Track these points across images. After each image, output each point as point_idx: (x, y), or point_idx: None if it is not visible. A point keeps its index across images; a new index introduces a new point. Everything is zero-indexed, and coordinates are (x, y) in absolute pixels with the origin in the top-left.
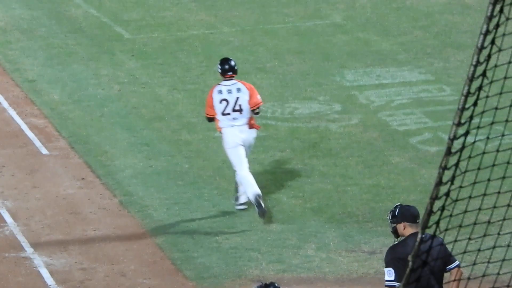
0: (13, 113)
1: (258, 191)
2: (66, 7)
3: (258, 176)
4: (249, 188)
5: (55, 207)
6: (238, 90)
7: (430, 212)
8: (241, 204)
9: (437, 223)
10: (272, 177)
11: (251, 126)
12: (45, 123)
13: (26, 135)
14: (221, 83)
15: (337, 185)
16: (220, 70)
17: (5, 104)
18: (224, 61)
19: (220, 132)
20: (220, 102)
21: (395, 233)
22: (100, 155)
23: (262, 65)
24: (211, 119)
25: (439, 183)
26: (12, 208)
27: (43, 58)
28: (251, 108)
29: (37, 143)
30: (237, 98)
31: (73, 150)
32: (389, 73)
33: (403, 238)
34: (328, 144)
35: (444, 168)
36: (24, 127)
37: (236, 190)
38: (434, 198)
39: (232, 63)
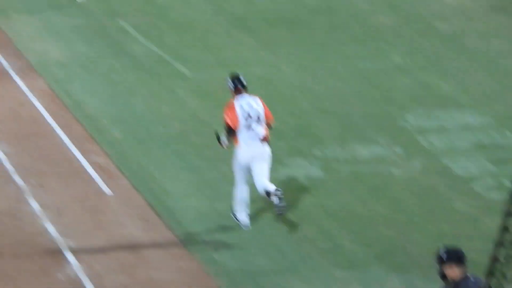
0: (75, 150)
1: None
2: (128, 44)
3: (321, 221)
4: (239, 205)
5: (118, 247)
6: (255, 101)
7: (495, 259)
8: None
9: (503, 271)
10: (335, 222)
11: (264, 139)
12: (107, 161)
13: (88, 173)
14: (238, 99)
15: (400, 231)
16: (232, 87)
17: (67, 141)
18: (235, 78)
19: (236, 146)
20: (243, 116)
21: (444, 277)
22: (163, 195)
23: (322, 105)
24: (233, 133)
25: (504, 229)
26: (75, 248)
27: (105, 95)
28: (267, 123)
29: (100, 182)
30: (256, 109)
31: (135, 189)
32: (450, 116)
33: (454, 283)
34: (391, 188)
35: (509, 214)
36: (87, 165)
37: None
38: (499, 245)
39: (241, 78)
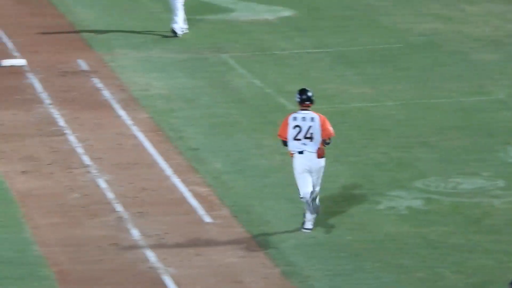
0: (176, 180)
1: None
2: (230, 77)
3: (420, 250)
4: (306, 208)
5: (217, 275)
6: (312, 119)
7: None
8: (306, 229)
9: None
10: (435, 252)
11: (319, 155)
12: (208, 192)
13: (189, 203)
14: (297, 112)
15: (500, 262)
16: (299, 100)
17: (169, 171)
18: (303, 91)
19: (292, 156)
20: (294, 128)
21: None
22: (262, 224)
23: (424, 139)
24: (286, 143)
25: None
26: (175, 275)
27: (206, 127)
28: (323, 138)
29: (200, 211)
30: (310, 126)
31: (235, 219)
32: None
33: None
34: (492, 220)
35: None
36: (187, 195)
37: (304, 215)
38: None
39: (310, 93)
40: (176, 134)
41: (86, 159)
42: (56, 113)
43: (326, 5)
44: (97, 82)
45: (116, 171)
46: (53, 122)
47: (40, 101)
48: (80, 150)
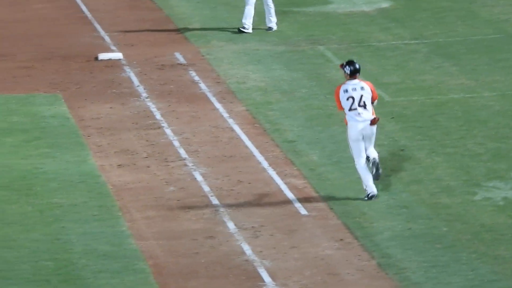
0: (272, 173)
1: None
2: (327, 69)
3: None
4: (364, 175)
5: (313, 268)
6: (362, 88)
7: None
8: (368, 196)
9: None
10: None
11: (374, 123)
12: (304, 184)
13: (285, 195)
14: (346, 83)
15: None
16: (349, 72)
17: (265, 164)
18: (352, 63)
19: (346, 125)
20: (347, 99)
21: None
22: (358, 216)
23: None
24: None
25: None
26: (270, 267)
27: (303, 119)
28: (372, 102)
29: (296, 204)
30: (361, 95)
31: (331, 211)
32: None
33: None
34: None
35: None
36: (284, 187)
37: (364, 185)
38: None
39: (357, 65)
40: (273, 126)
41: (182, 152)
42: (152, 107)
43: None
44: (193, 75)
45: (212, 164)
46: (149, 115)
47: (136, 95)
48: (176, 143)
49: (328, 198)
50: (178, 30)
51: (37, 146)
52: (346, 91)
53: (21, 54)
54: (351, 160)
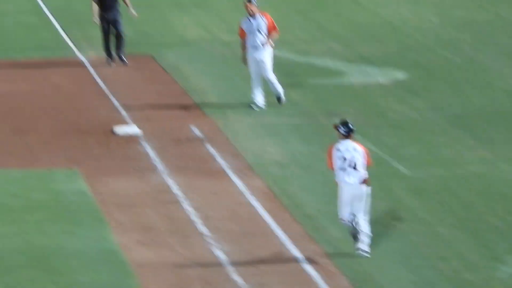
0: (293, 248)
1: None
2: None
3: None
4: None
5: None
6: (354, 149)
7: None
8: (363, 251)
9: None
10: None
11: (362, 182)
12: (325, 260)
13: (306, 272)
14: (340, 142)
15: None
16: (343, 132)
17: (285, 239)
18: (346, 124)
19: (338, 186)
20: (339, 159)
21: None
22: None
23: None
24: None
25: None
26: None
27: (322, 194)
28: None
29: (319, 281)
30: (353, 156)
31: None
32: None
33: None
34: None
35: None
36: (305, 263)
37: (354, 239)
38: None
39: (351, 126)
40: (292, 201)
41: (202, 228)
42: (171, 181)
43: (440, 67)
44: (211, 149)
45: (232, 240)
46: (168, 190)
47: (154, 169)
48: (196, 219)
49: (352, 276)
50: (195, 104)
51: (57, 223)
52: (339, 150)
53: (39, 128)
54: (376, 236)
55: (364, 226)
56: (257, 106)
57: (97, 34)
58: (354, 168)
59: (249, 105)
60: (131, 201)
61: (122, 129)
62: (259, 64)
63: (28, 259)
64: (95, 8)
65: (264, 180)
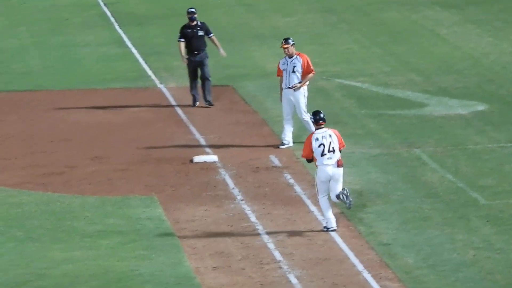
0: (367, 276)
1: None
2: (423, 172)
3: None
4: (325, 209)
5: None
6: (330, 135)
7: None
8: (327, 228)
9: None
10: None
11: (338, 164)
12: (399, 287)
13: None
14: (315, 132)
15: None
16: (313, 120)
17: (360, 267)
18: (317, 113)
19: (316, 166)
20: (319, 146)
21: None
22: None
23: None
24: (310, 161)
25: None
26: None
27: (398, 222)
28: (340, 149)
29: None
30: (330, 142)
31: None
32: None
33: None
34: None
35: None
36: None
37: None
38: None
39: (321, 114)
40: (368, 229)
41: (277, 255)
42: (247, 209)
43: None
44: (288, 177)
45: (307, 267)
46: (244, 218)
47: (231, 197)
48: (271, 245)
49: None
50: (273, 133)
51: (133, 248)
52: (317, 139)
53: (117, 157)
54: (447, 262)
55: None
56: (285, 144)
57: (177, 64)
58: (333, 151)
59: (278, 146)
60: (207, 227)
61: (200, 158)
62: (293, 104)
63: (104, 283)
64: (183, 48)
65: (341, 208)
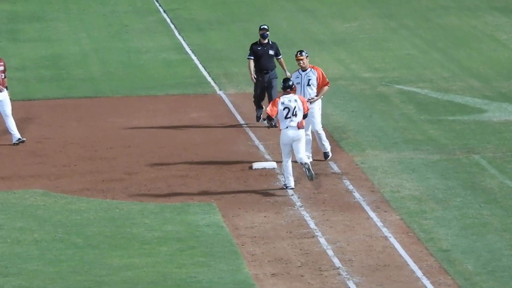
0: (427, 282)
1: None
2: (482, 178)
3: None
4: (286, 171)
5: None
6: (295, 100)
7: None
8: (286, 186)
9: None
10: None
11: (300, 126)
12: None
13: None
14: (283, 96)
15: None
16: (282, 87)
17: (419, 273)
18: (285, 80)
19: (280, 131)
20: (284, 109)
21: None
22: None
23: None
24: (270, 118)
25: None
26: None
27: (457, 228)
28: (304, 113)
29: None
30: (295, 106)
31: None
32: None
33: None
34: None
35: None
36: None
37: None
38: None
39: (290, 82)
40: (427, 235)
41: (336, 261)
42: (306, 216)
43: None
44: (348, 184)
45: (366, 273)
46: (303, 224)
47: (291, 204)
48: (330, 252)
49: None
50: (333, 139)
51: (191, 255)
52: (283, 103)
53: (177, 163)
54: (507, 269)
55: (306, 159)
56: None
57: (236, 71)
58: (295, 115)
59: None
60: (266, 234)
61: (260, 164)
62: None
63: None
64: (252, 67)
65: (400, 214)
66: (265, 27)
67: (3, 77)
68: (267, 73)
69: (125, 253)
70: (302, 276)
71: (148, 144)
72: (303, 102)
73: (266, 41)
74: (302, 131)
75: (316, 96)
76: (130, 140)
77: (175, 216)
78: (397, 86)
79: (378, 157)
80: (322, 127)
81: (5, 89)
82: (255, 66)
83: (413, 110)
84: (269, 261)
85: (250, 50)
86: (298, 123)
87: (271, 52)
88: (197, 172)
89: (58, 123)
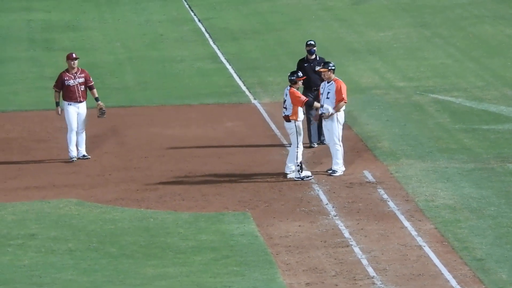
0: None
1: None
2: None
3: None
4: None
5: None
6: (286, 94)
7: None
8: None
9: None
10: None
11: (288, 119)
12: None
13: None
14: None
15: None
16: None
17: (454, 282)
18: (291, 74)
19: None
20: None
21: None
22: None
23: None
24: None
25: None
26: None
27: (492, 237)
28: (297, 106)
29: None
30: (285, 100)
31: None
32: None
33: None
34: None
35: None
36: None
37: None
38: None
39: (292, 77)
40: (462, 244)
41: (371, 271)
42: (341, 225)
43: None
44: (382, 193)
45: (400, 283)
46: (338, 233)
47: (325, 213)
48: (364, 261)
49: None
50: (368, 148)
51: (226, 264)
52: (284, 94)
53: (211, 172)
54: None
55: (297, 156)
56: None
57: (271, 80)
58: (285, 108)
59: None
60: (301, 243)
61: (294, 173)
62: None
63: None
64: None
65: (434, 223)
66: (312, 42)
67: (82, 89)
68: (317, 89)
69: (159, 263)
70: (337, 285)
71: (182, 153)
72: (292, 97)
73: (313, 57)
74: (290, 124)
75: (333, 109)
76: (165, 150)
77: (209, 226)
78: (431, 95)
79: (412, 166)
80: (341, 143)
81: (84, 101)
82: (303, 83)
83: (448, 119)
84: (303, 271)
85: (297, 67)
86: (288, 115)
87: (318, 68)
88: (231, 181)
89: (92, 133)
